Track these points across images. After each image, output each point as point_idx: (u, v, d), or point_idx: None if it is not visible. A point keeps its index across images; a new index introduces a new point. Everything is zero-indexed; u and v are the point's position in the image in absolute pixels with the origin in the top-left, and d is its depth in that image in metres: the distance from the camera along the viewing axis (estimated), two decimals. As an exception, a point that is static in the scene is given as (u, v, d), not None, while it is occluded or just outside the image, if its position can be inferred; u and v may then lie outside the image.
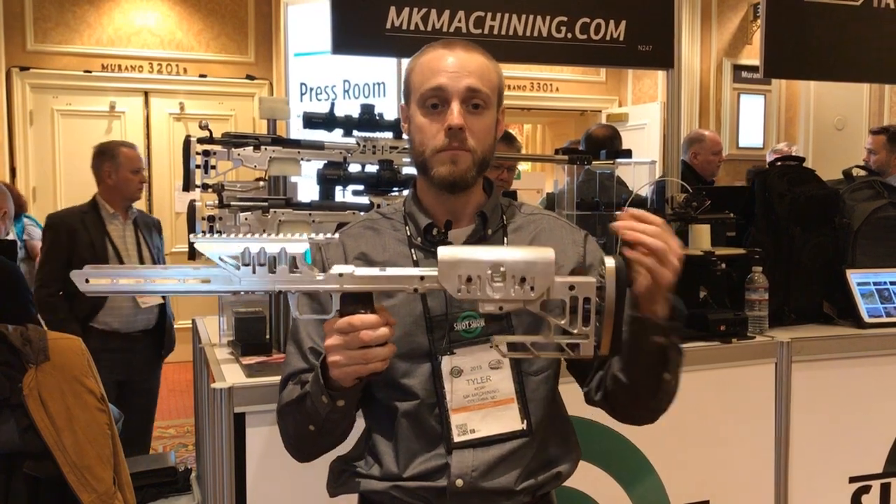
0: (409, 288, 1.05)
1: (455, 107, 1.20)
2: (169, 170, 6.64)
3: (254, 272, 1.00)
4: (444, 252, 1.04)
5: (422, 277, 1.05)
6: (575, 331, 1.05)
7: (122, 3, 6.51)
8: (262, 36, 6.77)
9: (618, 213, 1.14)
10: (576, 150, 2.89)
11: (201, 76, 6.66)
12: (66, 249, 3.23)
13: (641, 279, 1.09)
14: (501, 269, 1.04)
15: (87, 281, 0.99)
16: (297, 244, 1.01)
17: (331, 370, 1.08)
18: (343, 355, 1.06)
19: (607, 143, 3.46)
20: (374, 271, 1.05)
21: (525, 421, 1.23)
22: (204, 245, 0.99)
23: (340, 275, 1.04)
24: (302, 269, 1.02)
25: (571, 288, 1.05)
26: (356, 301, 1.05)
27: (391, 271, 1.06)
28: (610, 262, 1.05)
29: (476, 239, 1.26)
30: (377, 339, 1.05)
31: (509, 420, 1.23)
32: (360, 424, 1.32)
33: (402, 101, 1.31)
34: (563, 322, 1.05)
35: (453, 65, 1.22)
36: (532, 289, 1.04)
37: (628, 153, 2.62)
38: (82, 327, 3.19)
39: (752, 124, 7.21)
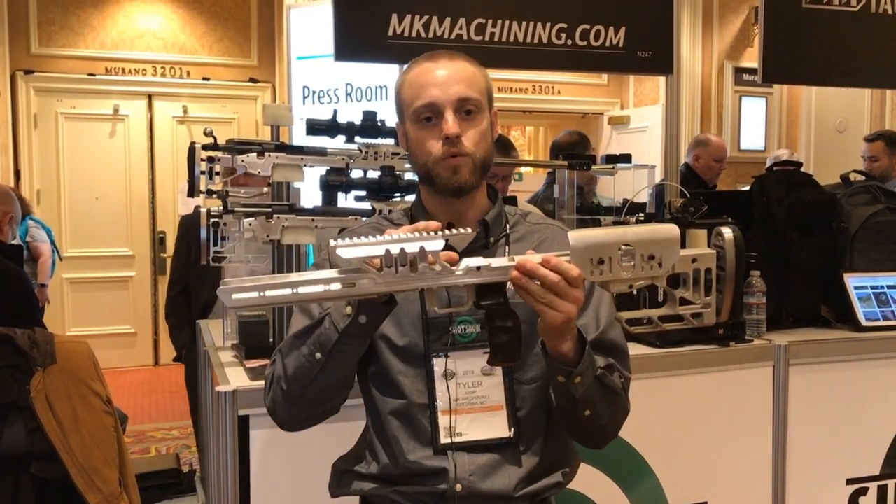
0: None
1: (449, 116, 1.22)
2: (172, 172, 6.68)
3: (396, 272, 1.04)
4: (575, 236, 1.08)
5: None
6: (698, 301, 1.10)
7: (126, 6, 6.54)
8: (264, 39, 6.79)
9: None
10: (576, 153, 2.90)
11: (204, 79, 6.69)
12: (186, 248, 3.33)
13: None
14: (630, 248, 1.07)
15: (231, 297, 1.01)
16: (434, 242, 1.05)
17: None
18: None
19: (577, 149, 3.43)
20: (504, 262, 1.09)
21: (513, 429, 1.24)
22: (346, 251, 1.02)
23: (478, 268, 1.08)
24: (439, 266, 1.06)
25: (694, 260, 1.09)
26: (492, 291, 1.09)
27: (519, 259, 1.09)
28: (728, 231, 1.10)
29: (478, 247, 1.27)
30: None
31: (496, 426, 1.24)
32: (360, 424, 1.35)
33: (397, 119, 1.33)
34: (686, 294, 1.10)
35: (441, 77, 1.24)
36: (660, 265, 1.08)
37: (628, 158, 2.63)
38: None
39: (753, 127, 7.21)
